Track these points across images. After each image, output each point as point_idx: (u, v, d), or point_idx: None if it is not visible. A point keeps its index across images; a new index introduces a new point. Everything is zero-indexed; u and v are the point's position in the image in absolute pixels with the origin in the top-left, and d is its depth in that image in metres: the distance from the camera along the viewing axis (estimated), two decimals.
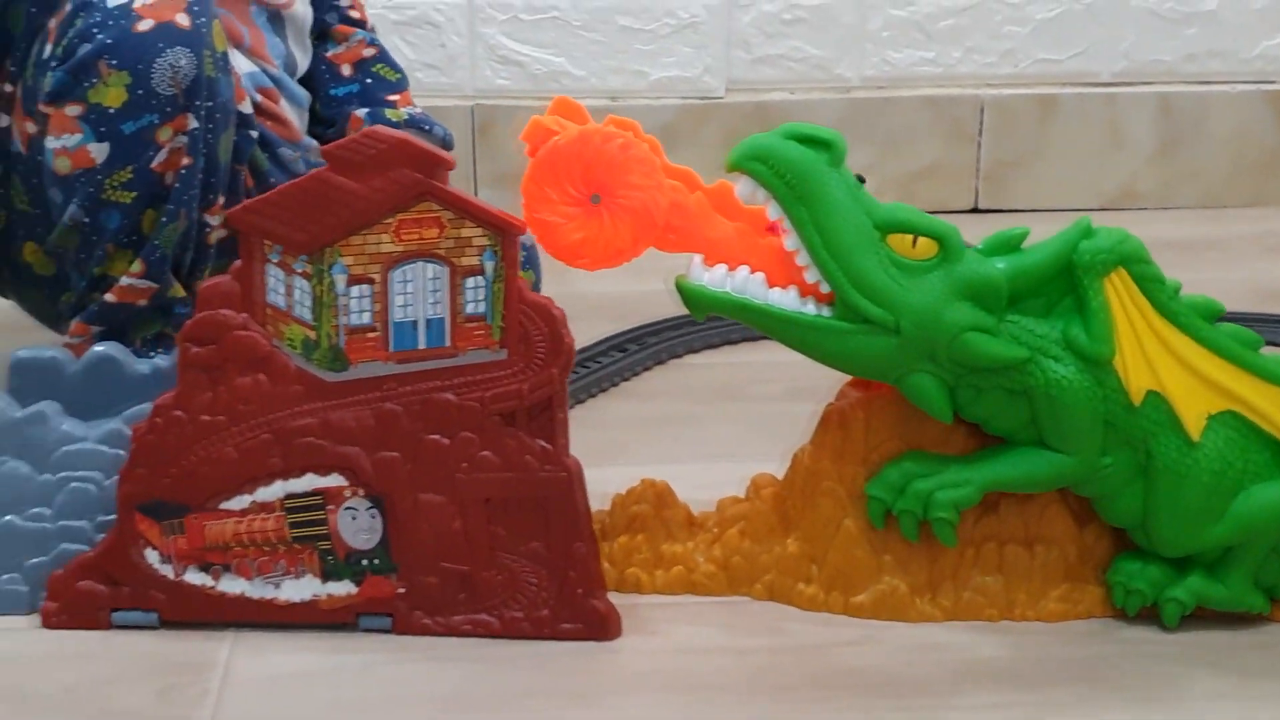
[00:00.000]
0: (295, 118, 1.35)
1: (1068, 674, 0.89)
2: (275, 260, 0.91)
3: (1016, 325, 0.91)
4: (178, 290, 1.19)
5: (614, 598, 0.94)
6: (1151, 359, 0.90)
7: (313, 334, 0.91)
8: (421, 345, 0.91)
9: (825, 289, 0.91)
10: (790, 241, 0.91)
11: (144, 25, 1.11)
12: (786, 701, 0.86)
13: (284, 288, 0.91)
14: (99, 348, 1.04)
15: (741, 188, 0.91)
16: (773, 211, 0.90)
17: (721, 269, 0.92)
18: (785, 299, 0.92)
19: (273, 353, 0.92)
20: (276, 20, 1.35)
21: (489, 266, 0.91)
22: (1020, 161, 1.85)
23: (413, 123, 1.37)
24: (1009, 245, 0.92)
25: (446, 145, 1.36)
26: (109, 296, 1.17)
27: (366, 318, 0.91)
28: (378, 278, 0.90)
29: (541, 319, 0.92)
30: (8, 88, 1.19)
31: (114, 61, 1.11)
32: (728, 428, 1.24)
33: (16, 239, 1.23)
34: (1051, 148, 1.84)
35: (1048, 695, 0.87)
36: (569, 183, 0.90)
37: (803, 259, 0.91)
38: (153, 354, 1.16)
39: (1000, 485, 0.92)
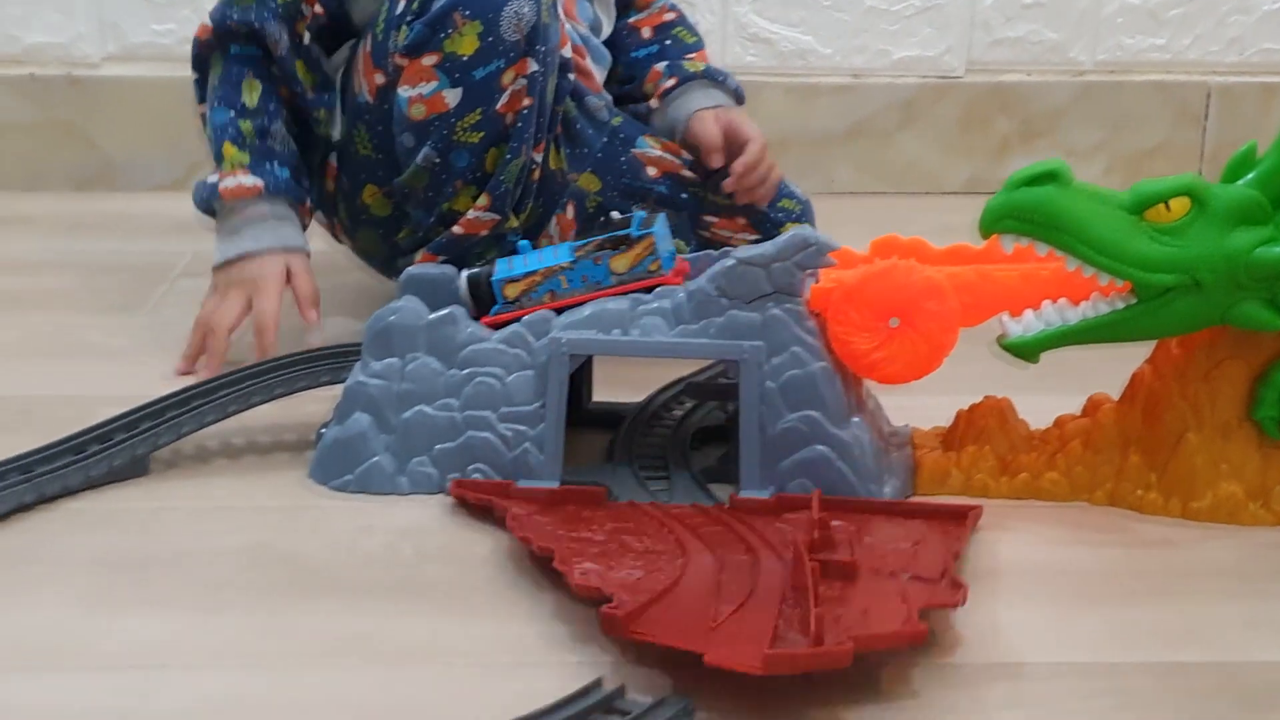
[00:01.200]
0: (598, 75, 1.46)
1: None
2: None
3: None
4: (513, 221, 1.30)
5: (964, 501, 1.04)
6: None
7: None
8: None
9: (1120, 283, 1.00)
10: (1071, 263, 1.00)
11: None
12: (1150, 581, 0.95)
13: None
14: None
15: (1005, 244, 1.00)
16: (1041, 249, 1.00)
17: (1028, 314, 1.02)
18: (1095, 308, 1.01)
19: None
20: None
21: None
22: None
23: (708, 74, 1.47)
24: (1245, 162, 1.00)
25: (739, 98, 1.45)
26: (456, 229, 1.28)
27: None
28: None
29: None
30: (358, 48, 1.30)
31: (467, 12, 1.22)
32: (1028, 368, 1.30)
33: (358, 183, 1.35)
34: (1273, 133, 1.91)
35: None
36: (872, 310, 1.02)
37: (1088, 271, 1.00)
38: None
39: None
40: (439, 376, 1.07)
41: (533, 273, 1.08)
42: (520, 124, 1.26)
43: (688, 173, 1.37)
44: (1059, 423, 1.08)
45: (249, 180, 1.28)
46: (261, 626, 0.89)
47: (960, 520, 1.00)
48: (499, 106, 1.24)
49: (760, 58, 1.90)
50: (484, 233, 1.29)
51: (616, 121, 1.43)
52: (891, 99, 1.90)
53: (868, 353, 1.02)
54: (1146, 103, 1.91)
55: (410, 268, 1.14)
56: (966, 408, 1.09)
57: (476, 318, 1.09)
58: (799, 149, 1.88)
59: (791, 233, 1.05)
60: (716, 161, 1.38)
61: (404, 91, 1.25)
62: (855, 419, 1.04)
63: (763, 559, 0.93)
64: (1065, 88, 1.90)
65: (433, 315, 1.07)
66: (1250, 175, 1.00)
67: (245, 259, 1.28)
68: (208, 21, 1.31)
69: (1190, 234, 0.99)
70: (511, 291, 1.08)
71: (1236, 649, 0.88)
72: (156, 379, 1.24)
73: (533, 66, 1.24)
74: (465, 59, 1.23)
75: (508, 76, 1.24)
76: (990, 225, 1.00)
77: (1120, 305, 1.01)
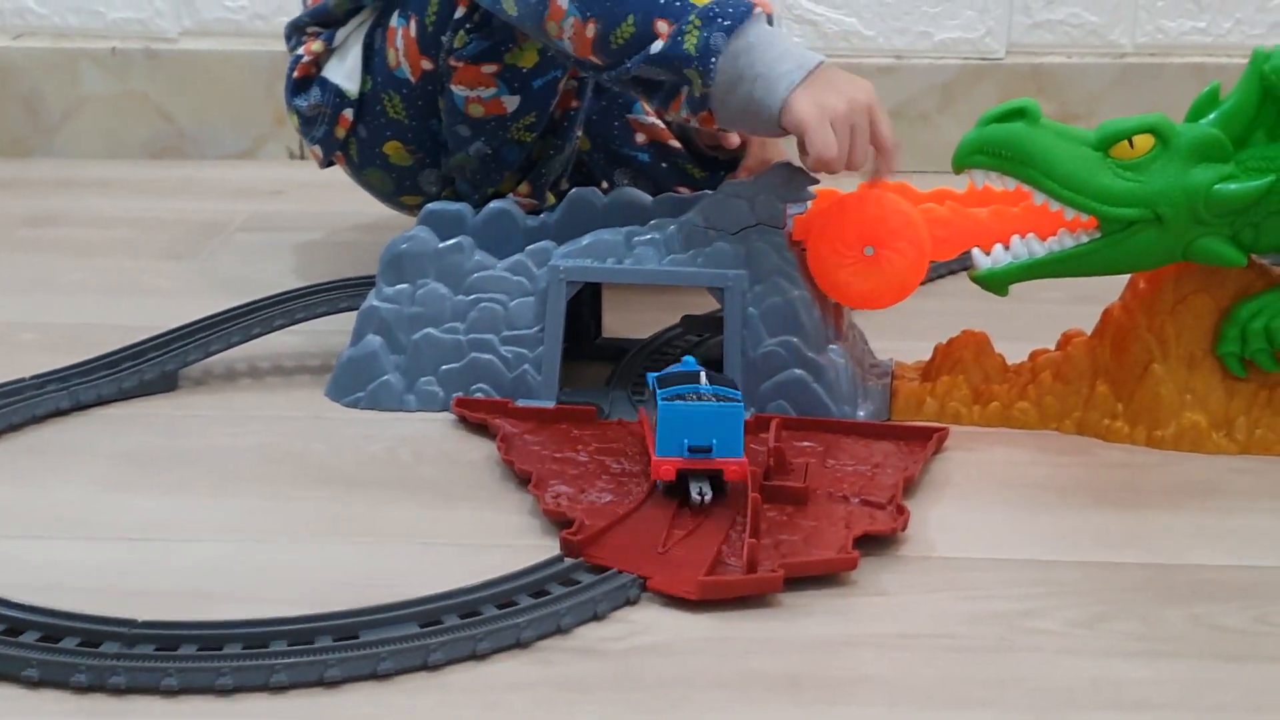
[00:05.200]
0: None
1: None
2: None
3: (1251, 158, 1.03)
4: (550, 200, 1.37)
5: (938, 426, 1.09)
6: None
7: None
8: None
9: (1085, 218, 1.05)
10: (1038, 198, 1.05)
11: None
12: (1102, 496, 1.00)
13: None
14: (495, 203, 1.22)
15: (976, 179, 1.06)
16: (1010, 183, 1.05)
17: (998, 248, 1.08)
18: (1062, 242, 1.06)
19: None
20: None
21: None
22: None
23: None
24: (1210, 102, 1.05)
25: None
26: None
27: None
28: None
29: None
30: (395, 22, 1.32)
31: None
32: (1015, 321, 1.35)
33: (381, 138, 1.35)
34: None
35: None
36: (849, 236, 1.08)
37: (1054, 205, 1.05)
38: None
39: None
40: (446, 301, 1.14)
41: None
42: (568, 123, 1.32)
43: (675, 142, 1.41)
44: (1032, 356, 1.13)
45: None
46: (262, 508, 0.97)
47: (925, 440, 1.06)
48: (553, 108, 1.30)
49: (806, 38, 1.95)
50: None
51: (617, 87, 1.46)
52: (932, 80, 1.95)
53: (843, 278, 1.08)
54: (1186, 85, 1.92)
55: (431, 205, 1.21)
56: (945, 341, 1.15)
57: None
58: None
59: (774, 165, 1.11)
60: (732, 142, 1.39)
61: (459, 91, 1.28)
62: (833, 346, 1.10)
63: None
64: (1105, 70, 1.94)
65: (443, 244, 1.15)
66: (1213, 115, 1.05)
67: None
68: None
69: (1153, 170, 1.04)
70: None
71: (1171, 553, 0.93)
72: (198, 313, 1.33)
73: (584, 71, 1.28)
74: (525, 70, 1.26)
75: (564, 82, 1.28)
76: (963, 160, 1.05)
77: (1085, 239, 1.06)
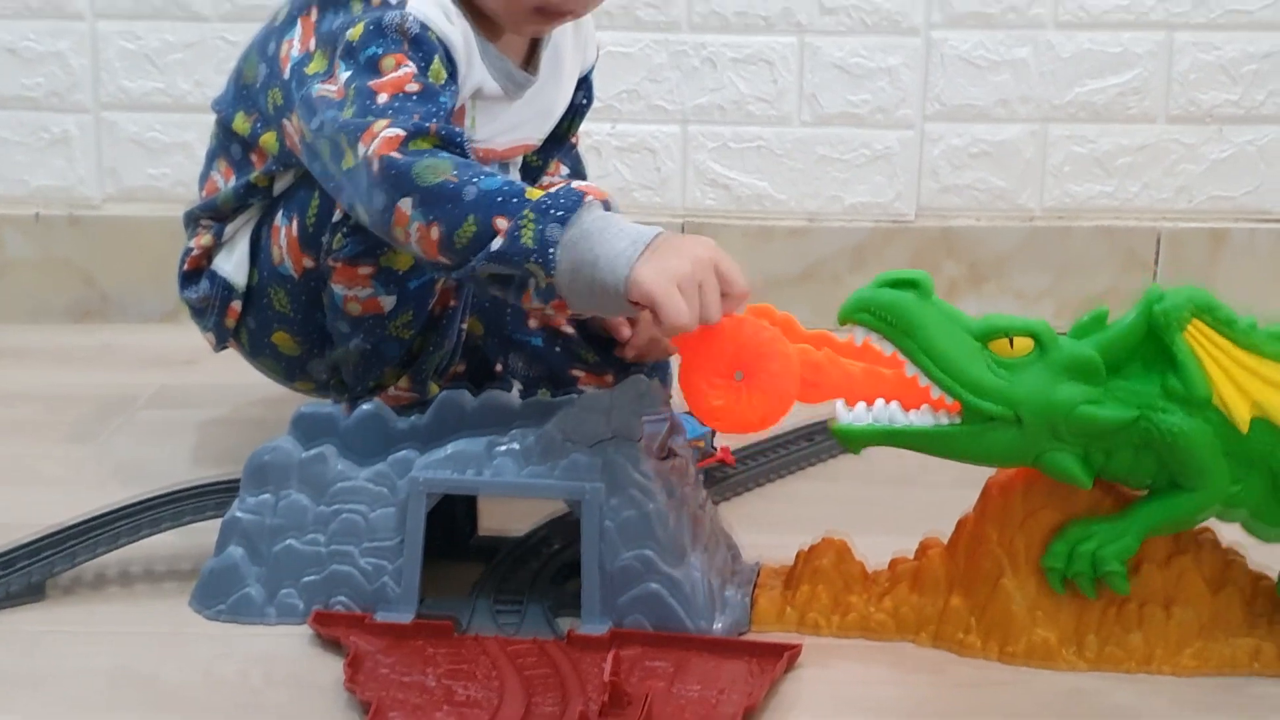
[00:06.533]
0: None
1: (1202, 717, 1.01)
2: None
3: (1121, 389, 1.04)
4: (434, 390, 1.38)
5: (795, 638, 1.09)
6: (1247, 389, 1.02)
7: None
8: None
9: (950, 400, 1.06)
10: (909, 369, 1.05)
11: None
12: (947, 718, 1.00)
13: None
14: (366, 406, 1.23)
15: (856, 335, 1.07)
16: (887, 348, 1.06)
17: (861, 406, 1.07)
18: (922, 418, 1.07)
19: None
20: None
21: None
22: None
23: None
24: (1096, 324, 1.06)
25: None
26: (378, 399, 1.35)
27: None
28: None
29: None
30: (280, 220, 1.35)
31: None
32: (899, 507, 1.37)
33: (269, 329, 1.38)
34: (1222, 277, 1.95)
35: None
36: (720, 359, 1.08)
37: (924, 380, 1.05)
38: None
39: (1153, 530, 1.05)
40: (308, 511, 1.14)
41: None
42: (447, 321, 1.34)
43: (568, 328, 1.43)
44: (892, 564, 1.14)
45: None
46: None
47: (777, 659, 1.06)
48: (431, 306, 1.32)
49: (718, 201, 1.98)
50: (404, 402, 1.37)
51: (472, 285, 1.46)
52: (844, 242, 1.97)
53: (711, 399, 1.08)
54: (1095, 247, 1.96)
55: (303, 407, 1.22)
56: (807, 547, 1.15)
57: None
58: (755, 289, 1.94)
59: (630, 379, 1.12)
60: (623, 335, 1.40)
61: (338, 289, 1.30)
62: (690, 558, 1.10)
63: (570, 707, 0.99)
64: (1013, 232, 1.96)
65: (305, 454, 1.16)
66: (1095, 338, 1.06)
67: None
68: (396, 131, 1.14)
69: (1025, 373, 1.04)
70: None
71: None
72: (87, 505, 1.33)
73: (436, 272, 1.26)
74: (400, 272, 1.29)
75: (440, 282, 1.30)
76: (848, 313, 1.06)
77: (945, 422, 1.06)
